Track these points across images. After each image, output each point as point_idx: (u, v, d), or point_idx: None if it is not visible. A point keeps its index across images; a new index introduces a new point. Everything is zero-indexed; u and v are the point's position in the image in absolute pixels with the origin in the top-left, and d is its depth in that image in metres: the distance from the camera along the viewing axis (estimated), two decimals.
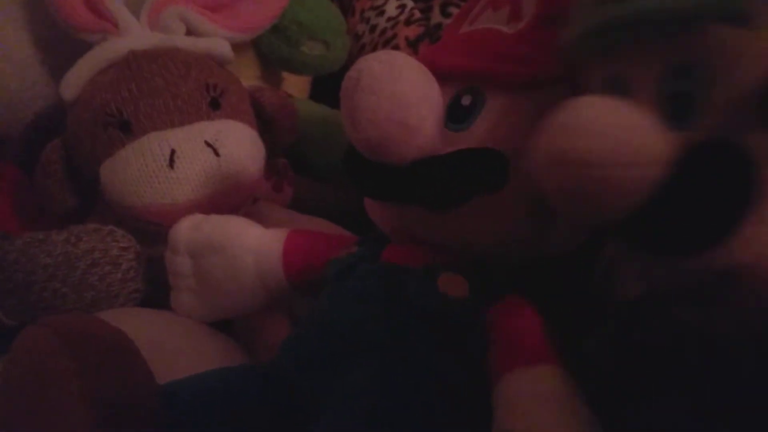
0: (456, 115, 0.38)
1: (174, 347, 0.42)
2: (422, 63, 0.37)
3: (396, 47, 0.75)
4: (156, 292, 0.50)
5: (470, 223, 0.37)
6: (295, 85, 0.78)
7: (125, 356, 0.32)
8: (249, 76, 0.66)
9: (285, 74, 0.76)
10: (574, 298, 0.40)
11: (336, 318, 0.37)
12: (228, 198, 0.51)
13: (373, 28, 0.79)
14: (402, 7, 0.78)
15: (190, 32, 0.56)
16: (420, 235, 0.39)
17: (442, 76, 0.39)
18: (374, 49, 0.77)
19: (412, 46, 0.74)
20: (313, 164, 0.67)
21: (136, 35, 0.54)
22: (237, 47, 0.61)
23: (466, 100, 0.38)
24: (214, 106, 0.52)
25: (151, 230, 0.50)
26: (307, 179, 0.66)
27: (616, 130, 0.27)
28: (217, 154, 0.49)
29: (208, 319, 0.45)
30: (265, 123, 0.58)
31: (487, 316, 0.36)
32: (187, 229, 0.45)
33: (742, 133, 0.26)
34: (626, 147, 0.26)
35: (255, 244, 0.44)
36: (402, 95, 0.34)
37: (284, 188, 0.63)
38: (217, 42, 0.55)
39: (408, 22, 0.77)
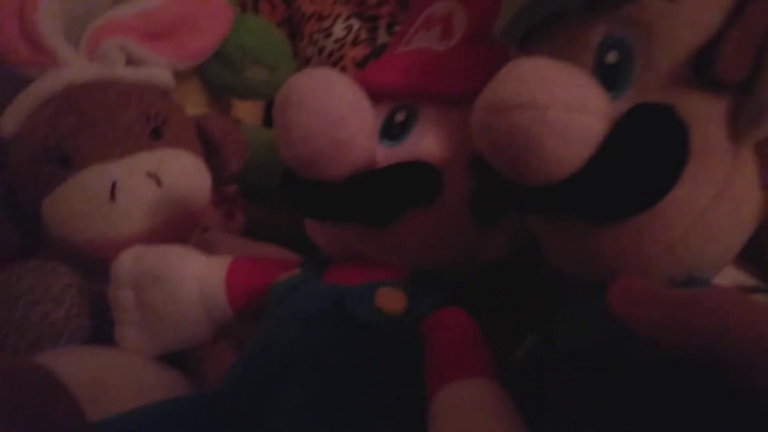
0: (390, 132, 0.39)
1: (116, 384, 0.40)
2: (358, 82, 0.37)
3: (344, 69, 0.75)
4: (105, 328, 0.49)
5: (408, 237, 0.37)
6: (248, 111, 0.78)
7: (48, 393, 0.31)
8: (195, 103, 0.66)
9: (236, 100, 0.76)
10: (514, 307, 0.40)
11: (274, 340, 0.37)
12: (174, 228, 0.50)
13: (321, 51, 0.79)
14: (349, 28, 0.79)
15: (130, 62, 0.55)
16: (361, 253, 0.39)
17: (377, 95, 0.39)
18: None
19: (360, 67, 0.74)
20: (265, 190, 0.66)
21: (74, 67, 0.53)
22: (181, 75, 0.60)
23: (399, 117, 0.39)
24: (156, 136, 0.51)
25: (97, 265, 0.49)
26: (260, 205, 0.66)
27: (562, 77, 0.27)
28: (159, 184, 0.49)
29: (155, 353, 0.44)
30: (212, 150, 0.57)
31: (422, 330, 0.35)
32: (129, 262, 0.44)
33: (676, 97, 0.27)
34: (572, 92, 0.27)
35: (197, 272, 0.43)
36: (332, 111, 0.34)
37: (235, 216, 0.62)
38: (157, 71, 0.55)
39: (355, 43, 0.77)
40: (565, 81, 0.27)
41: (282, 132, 0.35)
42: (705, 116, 0.27)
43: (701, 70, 0.27)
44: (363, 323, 0.35)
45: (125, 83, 0.53)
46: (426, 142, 0.38)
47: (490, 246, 0.39)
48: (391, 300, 0.36)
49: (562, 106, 0.26)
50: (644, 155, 0.26)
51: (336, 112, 0.34)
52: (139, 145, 0.50)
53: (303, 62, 0.81)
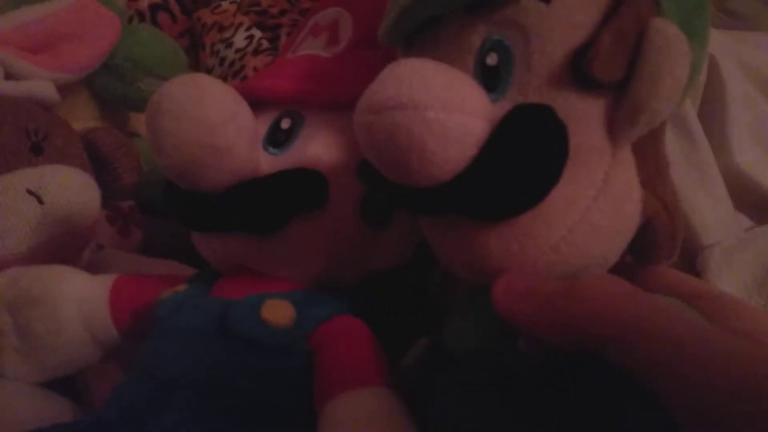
0: (276, 140, 0.38)
1: None
2: (243, 90, 0.36)
3: (245, 78, 0.74)
4: None
5: (296, 246, 0.37)
6: None
7: None
8: (86, 117, 0.64)
9: (135, 113, 0.74)
10: (407, 313, 0.40)
11: (156, 360, 0.35)
12: (59, 247, 0.48)
13: (222, 61, 0.78)
14: (250, 38, 0.78)
15: (10, 76, 0.53)
16: (248, 264, 0.38)
17: (263, 102, 0.39)
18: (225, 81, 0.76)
19: None
20: (163, 204, 0.64)
21: None
22: (68, 88, 0.58)
23: (285, 124, 0.38)
24: (37, 152, 0.49)
25: None
26: (159, 220, 0.64)
27: (442, 78, 0.27)
28: (41, 201, 0.46)
29: (39, 380, 0.42)
30: (103, 165, 0.55)
31: (312, 342, 0.35)
32: (4, 284, 0.41)
33: (555, 98, 0.28)
34: (451, 93, 0.27)
35: (78, 292, 0.41)
36: (206, 117, 0.32)
37: (132, 232, 0.60)
38: (38, 84, 0.52)
39: (256, 53, 0.76)
40: (444, 82, 0.27)
41: (154, 141, 0.33)
42: (583, 116, 0.28)
43: (578, 70, 0.28)
44: (247, 338, 0.34)
45: (2, 98, 0.50)
46: (312, 149, 0.37)
47: (381, 252, 0.39)
48: (277, 312, 0.34)
49: (442, 106, 0.26)
50: (525, 155, 0.27)
51: (210, 119, 0.32)
52: (18, 162, 0.47)
53: (205, 72, 0.80)
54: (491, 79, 0.29)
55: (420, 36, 0.33)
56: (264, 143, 0.38)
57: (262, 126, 0.39)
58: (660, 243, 0.31)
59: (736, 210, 0.57)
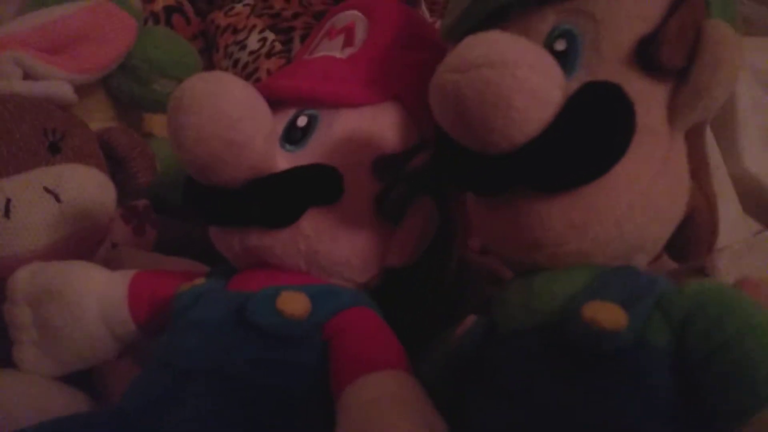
0: (292, 137, 0.39)
1: (14, 408, 0.39)
2: (261, 89, 0.36)
3: (259, 81, 0.75)
4: (7, 349, 0.47)
5: (312, 239, 0.37)
6: (161, 124, 0.77)
7: None
8: (102, 117, 0.65)
9: (148, 114, 0.75)
10: (421, 309, 0.41)
11: (175, 350, 0.36)
12: (76, 245, 0.48)
13: (235, 63, 0.79)
14: (263, 40, 0.79)
15: (28, 76, 0.54)
16: (266, 258, 0.39)
17: (279, 101, 0.40)
18: None
19: None
20: (178, 204, 0.65)
21: None
22: (85, 89, 0.59)
23: (301, 122, 0.40)
24: (54, 151, 0.49)
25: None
26: (173, 220, 0.64)
27: (529, 45, 0.29)
28: (58, 200, 0.47)
29: (57, 373, 0.43)
30: (118, 164, 0.55)
31: (328, 334, 0.35)
32: (25, 278, 0.42)
33: (621, 81, 0.29)
34: (539, 58, 0.28)
35: (97, 287, 0.42)
36: (225, 112, 0.33)
37: (146, 231, 0.61)
38: (56, 85, 0.53)
39: (269, 55, 0.77)
40: (531, 48, 0.28)
41: (175, 136, 0.34)
42: (646, 99, 0.30)
43: (644, 56, 0.30)
44: (264, 328, 0.34)
45: (21, 98, 0.51)
46: (327, 146, 0.39)
47: (395, 247, 0.40)
48: (293, 303, 0.35)
49: (530, 67, 0.27)
50: (596, 126, 0.28)
51: (230, 114, 0.33)
52: (36, 161, 0.48)
53: None
54: (560, 62, 0.30)
55: (484, 28, 0.34)
56: (281, 141, 0.39)
57: (279, 124, 0.40)
58: (701, 238, 0.32)
59: (745, 214, 0.57)
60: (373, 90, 0.40)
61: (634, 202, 0.30)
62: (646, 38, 0.30)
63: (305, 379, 0.34)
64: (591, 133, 0.28)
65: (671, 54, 0.30)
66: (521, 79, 0.27)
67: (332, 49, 0.44)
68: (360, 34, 0.43)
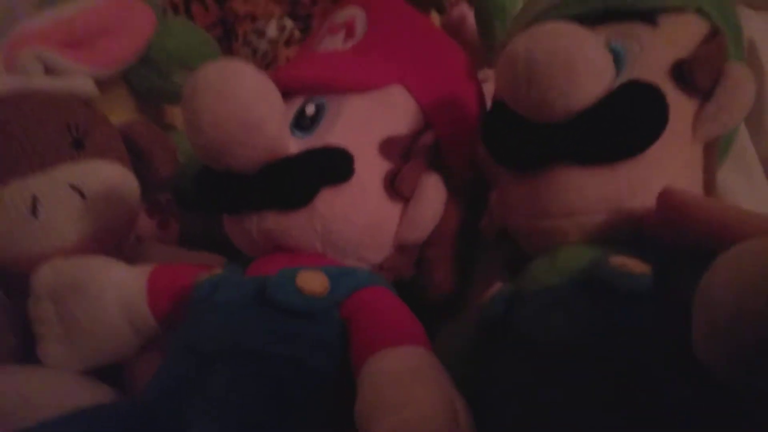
0: (302, 124, 0.41)
1: (40, 402, 0.39)
2: (269, 78, 0.37)
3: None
4: (33, 345, 0.47)
5: (327, 218, 0.38)
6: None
7: None
8: (124, 110, 0.65)
9: (170, 106, 0.74)
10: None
11: (197, 334, 0.36)
12: (102, 240, 0.49)
13: (255, 52, 0.79)
14: (282, 28, 0.78)
15: (49, 72, 0.53)
16: (282, 242, 0.40)
17: (288, 90, 0.41)
18: None
19: None
20: (196, 191, 0.65)
21: None
22: (107, 82, 0.59)
23: (309, 110, 0.41)
24: (78, 147, 0.49)
25: (25, 282, 0.48)
26: (196, 213, 0.64)
27: (583, 31, 0.32)
28: (83, 196, 0.47)
29: (79, 368, 0.43)
30: (140, 158, 0.55)
31: (346, 311, 0.36)
32: (48, 274, 0.43)
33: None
34: (598, 41, 0.32)
35: (117, 281, 0.42)
36: (239, 95, 0.34)
37: (170, 225, 0.61)
38: (78, 80, 0.53)
39: (288, 43, 0.76)
40: (594, 35, 0.32)
41: (191, 120, 0.35)
42: (677, 108, 0.34)
43: (679, 74, 0.35)
44: (284, 306, 0.35)
45: (43, 94, 0.51)
46: (337, 129, 0.40)
47: (406, 223, 0.41)
48: (312, 281, 0.36)
49: (596, 44, 0.32)
50: (638, 108, 0.32)
51: (244, 96, 0.35)
52: (60, 158, 0.48)
53: None
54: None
55: None
56: (291, 128, 0.40)
57: (288, 112, 0.41)
58: None
59: None
60: (377, 75, 0.42)
61: (662, 186, 0.33)
62: (682, 60, 0.35)
63: (325, 353, 0.35)
64: (634, 113, 0.32)
65: (703, 76, 0.35)
66: (587, 49, 0.31)
67: (334, 44, 0.46)
68: (360, 27, 0.46)
